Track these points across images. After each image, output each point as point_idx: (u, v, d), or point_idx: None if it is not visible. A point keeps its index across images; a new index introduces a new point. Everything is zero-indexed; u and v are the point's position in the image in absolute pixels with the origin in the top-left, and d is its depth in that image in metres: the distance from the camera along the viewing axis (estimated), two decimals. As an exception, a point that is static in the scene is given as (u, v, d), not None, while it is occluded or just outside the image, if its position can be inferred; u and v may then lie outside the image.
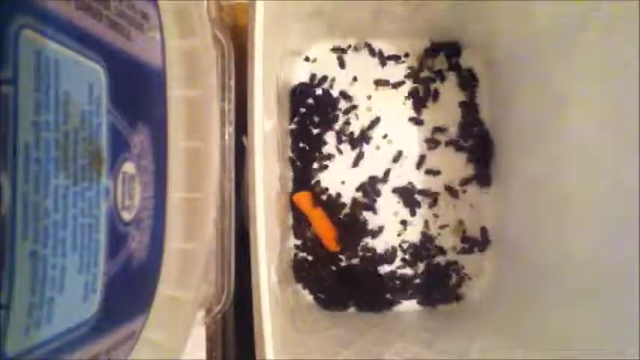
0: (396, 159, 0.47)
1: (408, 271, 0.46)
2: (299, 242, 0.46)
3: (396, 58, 0.48)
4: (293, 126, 0.46)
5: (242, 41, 0.32)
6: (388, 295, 0.46)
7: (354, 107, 0.47)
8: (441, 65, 0.48)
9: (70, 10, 0.18)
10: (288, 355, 0.28)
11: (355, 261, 0.46)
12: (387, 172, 0.47)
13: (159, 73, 0.26)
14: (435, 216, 0.47)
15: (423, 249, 0.46)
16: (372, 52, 0.47)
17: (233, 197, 0.35)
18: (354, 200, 0.46)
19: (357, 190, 0.47)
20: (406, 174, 0.47)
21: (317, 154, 0.46)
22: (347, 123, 0.47)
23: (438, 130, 0.47)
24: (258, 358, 0.26)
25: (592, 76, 0.33)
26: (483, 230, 0.46)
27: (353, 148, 0.47)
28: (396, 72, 0.48)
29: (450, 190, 0.47)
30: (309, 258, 0.45)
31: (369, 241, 0.46)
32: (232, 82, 0.35)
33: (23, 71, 0.15)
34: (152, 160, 0.25)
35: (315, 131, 0.47)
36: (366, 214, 0.46)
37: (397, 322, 0.44)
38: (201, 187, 0.29)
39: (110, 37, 0.21)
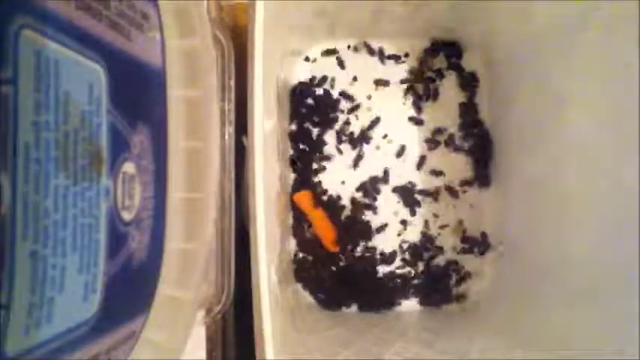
0: (399, 154, 0.47)
1: (408, 271, 0.46)
2: (299, 242, 0.46)
3: (396, 58, 0.48)
4: (293, 126, 0.46)
5: (242, 41, 0.32)
6: (388, 295, 0.46)
7: (354, 107, 0.47)
8: (441, 65, 0.48)
9: (70, 10, 0.18)
10: (288, 355, 0.28)
11: (355, 261, 0.46)
12: (387, 172, 0.47)
13: (159, 73, 0.26)
14: (435, 216, 0.47)
15: (423, 249, 0.46)
16: (372, 51, 0.47)
17: (233, 197, 0.35)
18: (354, 200, 0.46)
19: (357, 190, 0.47)
20: (406, 174, 0.47)
21: (317, 154, 0.46)
22: (347, 123, 0.47)
23: (437, 130, 0.47)
24: (258, 358, 0.26)
25: (592, 76, 0.33)
26: (483, 235, 0.46)
27: (353, 148, 0.47)
28: (396, 72, 0.48)
29: (450, 190, 0.47)
30: (309, 258, 0.45)
31: (369, 241, 0.46)
32: (232, 82, 0.35)
33: (23, 71, 0.15)
34: (152, 160, 0.25)
35: (315, 131, 0.47)
36: (366, 214, 0.46)
37: (397, 322, 0.44)
38: (201, 187, 0.29)
39: (110, 37, 0.21)
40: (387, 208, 0.47)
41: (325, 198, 0.46)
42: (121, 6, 0.21)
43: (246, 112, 0.28)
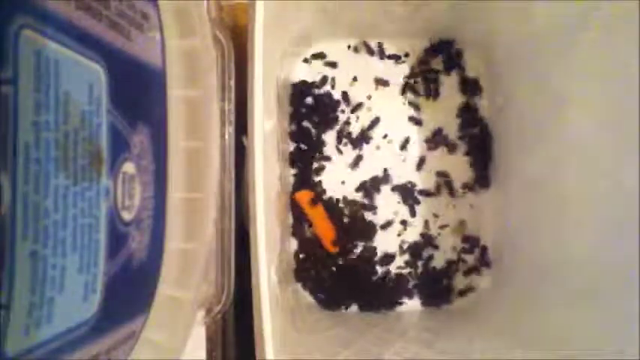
0: (403, 146, 0.47)
1: (408, 271, 0.46)
2: (299, 242, 0.46)
3: (396, 58, 0.48)
4: (293, 126, 0.46)
5: (242, 41, 0.32)
6: (388, 295, 0.46)
7: (354, 107, 0.47)
8: (441, 65, 0.48)
9: (70, 10, 0.18)
10: (288, 355, 0.28)
11: (355, 261, 0.46)
12: (387, 172, 0.47)
13: (159, 73, 0.26)
14: (435, 216, 0.47)
15: (423, 249, 0.46)
16: (372, 51, 0.47)
17: (233, 197, 0.35)
18: (354, 200, 0.46)
19: (357, 190, 0.47)
20: (406, 174, 0.47)
21: (317, 154, 0.46)
22: (347, 123, 0.47)
23: (437, 130, 0.47)
24: (258, 358, 0.26)
25: (592, 76, 0.33)
26: (483, 248, 0.46)
27: (353, 148, 0.47)
28: (396, 72, 0.48)
29: (449, 190, 0.47)
30: (309, 258, 0.45)
31: (369, 241, 0.46)
32: (232, 82, 0.35)
33: (23, 71, 0.15)
34: (152, 160, 0.25)
35: (315, 131, 0.47)
36: (366, 214, 0.46)
37: (397, 322, 0.44)
38: (201, 187, 0.29)
39: (110, 37, 0.21)
40: (387, 208, 0.47)
41: (325, 198, 0.46)
42: (121, 6, 0.21)
43: (246, 112, 0.28)
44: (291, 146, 0.46)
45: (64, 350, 0.18)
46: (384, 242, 0.46)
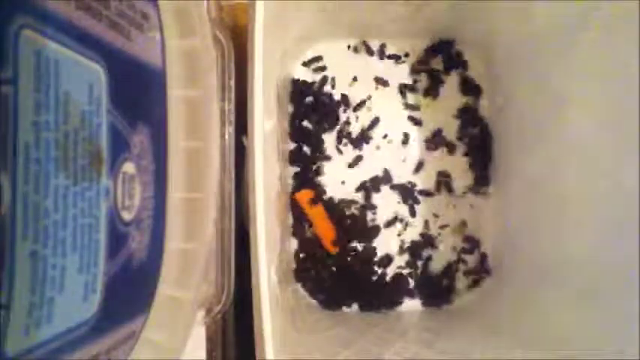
0: (403, 146, 0.47)
1: (408, 271, 0.46)
2: (299, 242, 0.46)
3: (396, 57, 0.48)
4: (293, 126, 0.46)
5: (242, 41, 0.32)
6: (388, 295, 0.46)
7: (354, 107, 0.47)
8: (441, 65, 0.48)
9: (70, 10, 0.18)
10: (288, 355, 0.28)
11: (355, 261, 0.46)
12: (387, 172, 0.47)
13: (159, 73, 0.26)
14: (435, 216, 0.47)
15: (423, 249, 0.46)
16: (372, 51, 0.47)
17: (233, 197, 0.35)
18: (354, 200, 0.46)
19: (357, 190, 0.47)
20: (406, 174, 0.47)
21: (317, 154, 0.46)
22: (347, 123, 0.47)
23: (437, 130, 0.47)
24: (258, 358, 0.26)
25: (592, 76, 0.33)
26: (483, 256, 0.46)
27: (353, 148, 0.47)
28: (396, 72, 0.48)
29: (449, 190, 0.47)
30: (309, 258, 0.45)
31: (369, 241, 0.46)
32: (232, 82, 0.35)
33: (23, 71, 0.15)
34: (152, 160, 0.25)
35: (315, 131, 0.47)
36: (366, 214, 0.46)
37: (397, 322, 0.44)
38: (201, 187, 0.29)
39: (110, 37, 0.21)
40: (387, 208, 0.47)
41: (325, 198, 0.46)
42: (121, 6, 0.21)
43: (246, 112, 0.28)
44: (291, 146, 0.46)
45: (64, 350, 0.18)
46: (384, 242, 0.46)
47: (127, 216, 0.22)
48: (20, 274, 0.15)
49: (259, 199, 0.27)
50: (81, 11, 0.18)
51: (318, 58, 0.47)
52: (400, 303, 0.46)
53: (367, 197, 0.46)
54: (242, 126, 0.34)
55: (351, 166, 0.47)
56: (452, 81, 0.48)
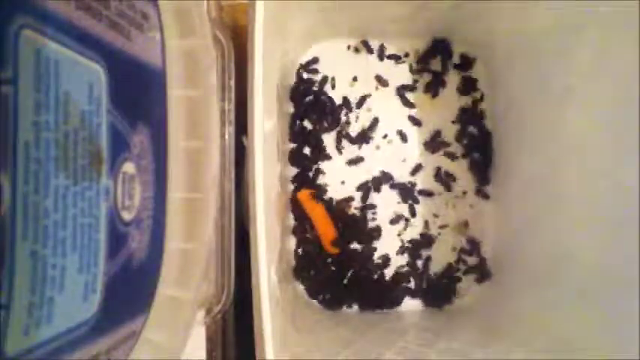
0: (404, 138, 0.47)
1: (408, 271, 0.46)
2: (299, 242, 0.46)
3: (396, 58, 0.48)
4: (293, 126, 0.46)
5: (242, 41, 0.32)
6: (388, 295, 0.46)
7: (354, 107, 0.47)
8: (441, 65, 0.48)
9: (70, 10, 0.18)
10: (288, 355, 0.28)
11: (355, 261, 0.46)
12: (387, 172, 0.47)
13: (159, 73, 0.26)
14: (435, 216, 0.47)
15: (423, 249, 0.46)
16: (372, 51, 0.47)
17: (233, 197, 0.35)
18: (354, 200, 0.46)
19: (357, 190, 0.47)
20: (406, 174, 0.47)
21: (317, 154, 0.46)
22: (347, 123, 0.47)
23: (437, 130, 0.47)
24: (258, 358, 0.26)
25: (592, 76, 0.33)
26: (482, 260, 0.46)
27: (353, 148, 0.47)
28: (396, 72, 0.48)
29: (449, 190, 0.47)
30: (309, 258, 0.45)
31: (369, 241, 0.46)
32: (232, 82, 0.35)
33: (23, 71, 0.15)
34: (152, 160, 0.25)
35: (315, 131, 0.47)
36: (366, 214, 0.46)
37: (398, 322, 0.44)
38: (201, 187, 0.29)
39: (110, 37, 0.21)
40: (387, 208, 0.47)
41: (325, 198, 0.46)
42: (121, 6, 0.21)
43: (246, 112, 0.28)
44: (291, 146, 0.46)
45: (64, 350, 0.18)
46: (384, 242, 0.46)
47: (127, 216, 0.22)
48: (20, 274, 0.15)
49: (259, 199, 0.27)
50: (81, 11, 0.18)
51: (318, 59, 0.47)
52: (400, 303, 0.46)
53: (367, 197, 0.46)
54: (242, 126, 0.34)
55: (350, 166, 0.47)
56: (452, 81, 0.48)
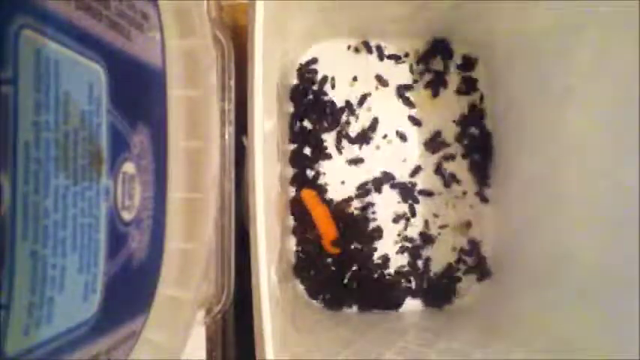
0: (404, 138, 0.47)
1: (409, 271, 0.46)
2: (299, 241, 0.46)
3: (396, 58, 0.48)
4: (293, 126, 0.46)
5: (242, 41, 0.32)
6: (389, 295, 0.46)
7: (354, 107, 0.47)
8: (441, 65, 0.48)
9: (70, 10, 0.18)
10: (288, 355, 0.28)
11: (355, 261, 0.46)
12: (387, 172, 0.47)
13: (159, 73, 0.26)
14: (435, 216, 0.47)
15: (423, 249, 0.46)
16: (372, 51, 0.47)
17: (233, 197, 0.35)
18: (354, 200, 0.46)
19: (357, 190, 0.47)
20: (406, 174, 0.47)
21: (317, 154, 0.46)
22: (347, 123, 0.47)
23: (437, 130, 0.47)
24: (258, 358, 0.26)
25: (592, 76, 0.33)
26: (482, 259, 0.46)
27: (353, 148, 0.47)
28: (396, 72, 0.48)
29: (449, 190, 0.47)
30: (310, 258, 0.45)
31: (369, 241, 0.46)
32: (232, 82, 0.35)
33: (23, 71, 0.15)
34: (152, 160, 0.25)
35: (315, 131, 0.47)
36: (367, 214, 0.46)
37: (398, 322, 0.44)
38: (201, 187, 0.29)
39: (110, 37, 0.21)
40: (388, 208, 0.47)
41: (325, 198, 0.46)
42: (121, 6, 0.21)
43: (246, 112, 0.28)
44: (291, 146, 0.46)
45: (64, 350, 0.18)
46: (385, 242, 0.46)
47: (127, 216, 0.22)
48: (20, 274, 0.15)
49: (259, 199, 0.27)
50: (81, 11, 0.18)
51: (318, 59, 0.47)
52: (400, 303, 0.46)
53: (367, 197, 0.46)
54: (242, 126, 0.34)
55: (351, 166, 0.47)
56: (452, 81, 0.48)
